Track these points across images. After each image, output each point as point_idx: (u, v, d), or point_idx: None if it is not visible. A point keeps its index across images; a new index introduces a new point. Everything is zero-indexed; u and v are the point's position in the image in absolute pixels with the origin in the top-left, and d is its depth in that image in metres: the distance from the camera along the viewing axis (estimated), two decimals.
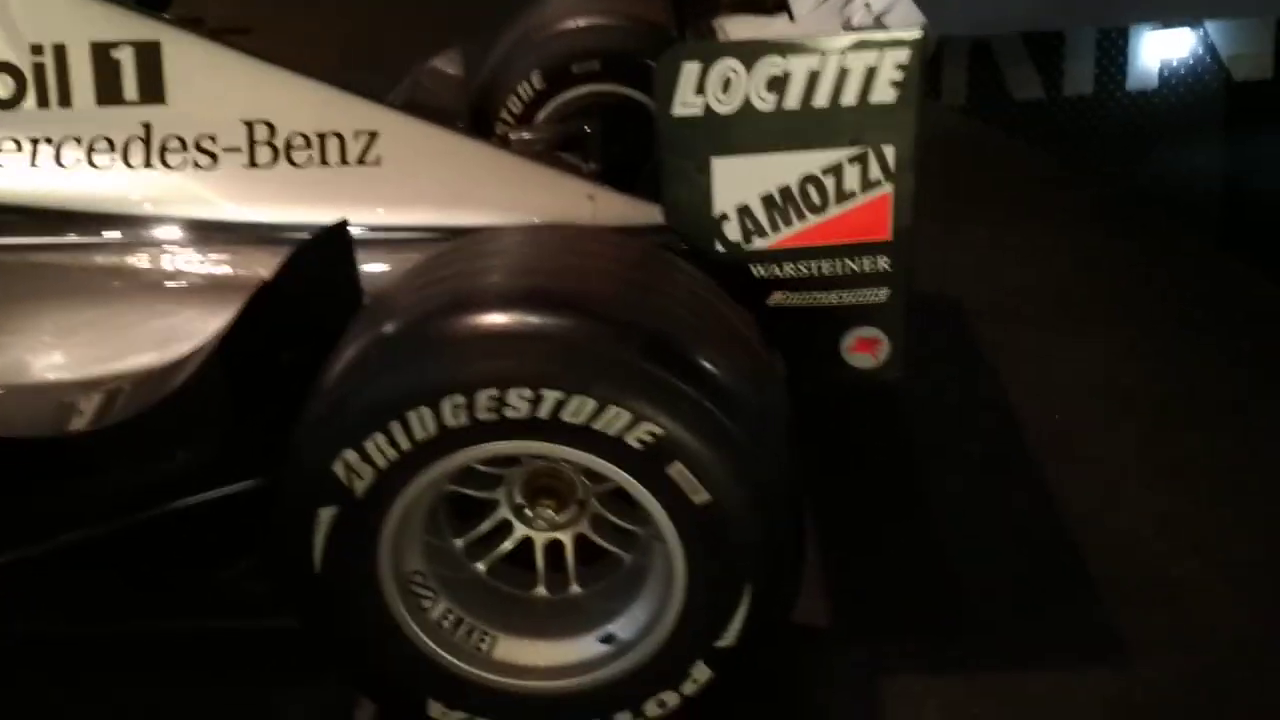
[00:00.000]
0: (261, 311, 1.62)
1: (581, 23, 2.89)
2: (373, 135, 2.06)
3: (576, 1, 2.95)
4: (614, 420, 1.42)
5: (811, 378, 1.92)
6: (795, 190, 1.76)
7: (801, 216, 1.78)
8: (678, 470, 1.45)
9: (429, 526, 1.63)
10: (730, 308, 1.67)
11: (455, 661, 1.62)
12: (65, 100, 2.11)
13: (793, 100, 1.70)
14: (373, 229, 1.98)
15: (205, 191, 2.11)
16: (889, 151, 1.73)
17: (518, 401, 1.41)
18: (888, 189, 1.76)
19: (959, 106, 7.27)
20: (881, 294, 1.85)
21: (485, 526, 1.66)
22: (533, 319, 1.45)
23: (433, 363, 1.44)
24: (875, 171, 1.75)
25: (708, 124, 1.72)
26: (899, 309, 1.86)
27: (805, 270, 1.83)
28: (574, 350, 1.43)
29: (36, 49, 2.11)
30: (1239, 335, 2.84)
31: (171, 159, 2.11)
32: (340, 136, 2.07)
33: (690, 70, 1.69)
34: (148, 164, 2.11)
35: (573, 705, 1.63)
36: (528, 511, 1.64)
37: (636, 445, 1.44)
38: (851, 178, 1.75)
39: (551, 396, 1.41)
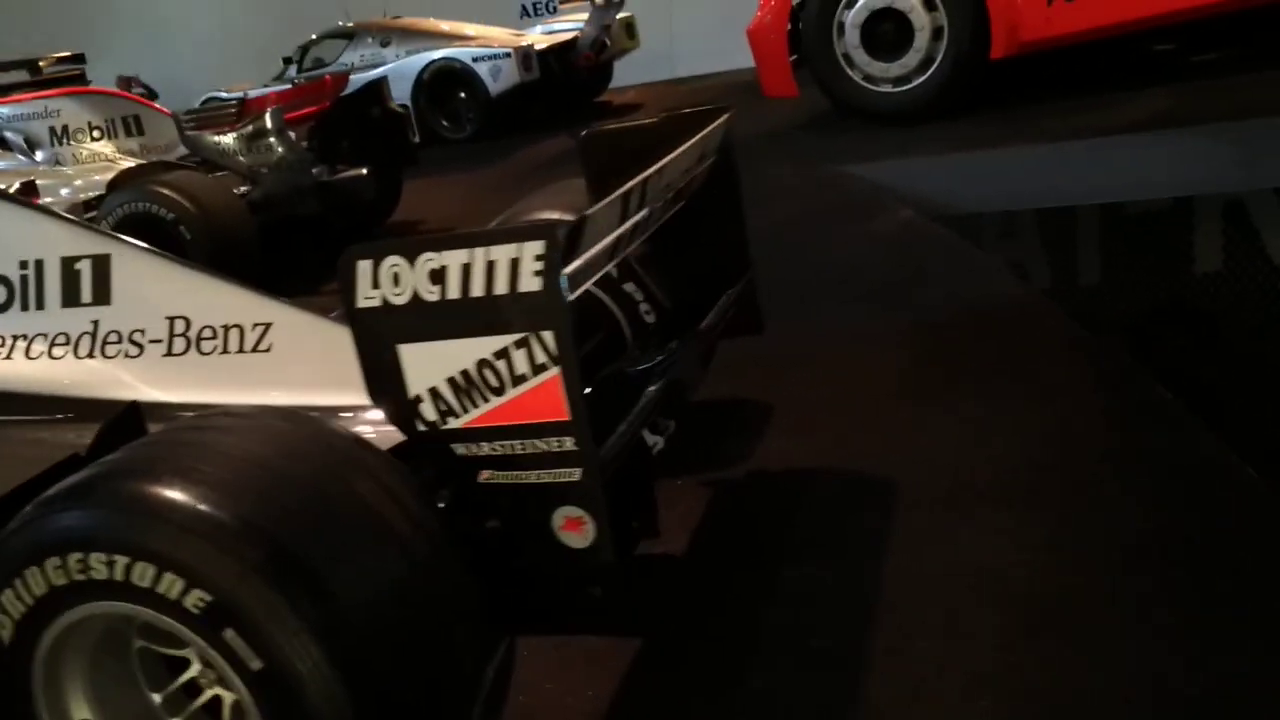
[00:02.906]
0: None
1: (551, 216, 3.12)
2: (267, 326, 2.37)
3: (547, 199, 3.20)
4: (171, 585, 1.56)
5: (534, 557, 1.95)
6: (475, 374, 1.85)
7: (485, 399, 1.86)
8: (230, 635, 1.55)
9: (116, 679, 1.80)
10: (392, 505, 1.74)
11: None
12: (40, 304, 2.60)
13: (453, 291, 1.81)
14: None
15: (129, 378, 2.49)
16: (548, 336, 1.79)
17: (98, 565, 1.59)
18: (555, 371, 1.81)
19: (1213, 273, 6.79)
20: (575, 474, 1.86)
21: (178, 683, 1.81)
22: (126, 487, 1.63)
23: (42, 524, 1.65)
24: (540, 355, 1.80)
25: (387, 314, 1.86)
26: (595, 488, 1.87)
27: (502, 449, 1.89)
28: (145, 518, 1.59)
29: (23, 264, 2.62)
30: None
31: (110, 350, 2.51)
32: (240, 328, 2.39)
33: (364, 267, 1.85)
34: (91, 354, 2.53)
35: None
36: None
37: (194, 610, 1.56)
38: (520, 361, 1.82)
39: (122, 561, 1.57)
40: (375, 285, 1.85)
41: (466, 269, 1.80)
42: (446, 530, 1.81)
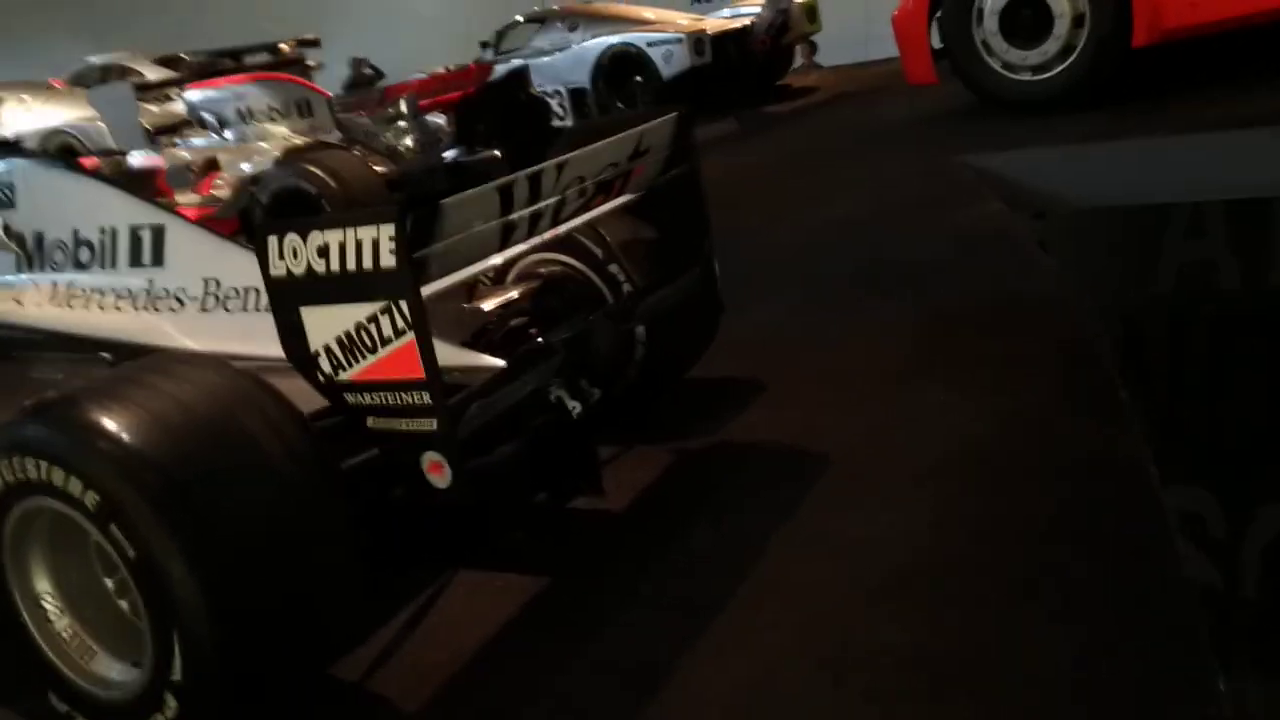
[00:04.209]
0: None
1: None
2: None
3: None
4: (75, 486, 2.00)
5: (409, 494, 2.30)
6: (355, 334, 2.21)
7: (364, 356, 2.21)
8: (114, 529, 1.98)
9: (76, 563, 2.28)
10: (273, 435, 2.12)
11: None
12: (113, 263, 3.16)
13: (334, 264, 2.17)
14: (278, 359, 2.48)
15: (171, 329, 3.00)
16: (404, 305, 2.12)
17: (31, 467, 2.06)
18: (411, 336, 2.14)
19: None
20: (432, 423, 2.20)
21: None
22: (67, 410, 2.08)
23: (7, 432, 2.12)
24: (400, 321, 2.14)
25: (292, 282, 2.24)
26: (449, 437, 2.19)
27: (380, 400, 2.24)
28: (68, 434, 2.03)
29: (102, 230, 3.19)
30: None
31: (159, 305, 3.03)
32: (257, 290, 2.86)
33: (273, 242, 2.24)
34: (145, 308, 3.06)
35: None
36: None
37: (90, 507, 2.00)
38: (386, 326, 2.16)
39: (42, 465, 2.03)
40: (281, 256, 2.23)
41: (342, 246, 2.15)
42: (321, 462, 2.17)
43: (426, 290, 2.34)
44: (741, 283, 4.30)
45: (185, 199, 6.37)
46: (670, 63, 11.01)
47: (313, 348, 2.28)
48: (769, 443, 3.20)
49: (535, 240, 2.67)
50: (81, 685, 2.24)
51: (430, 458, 2.24)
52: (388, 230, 2.09)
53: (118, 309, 3.12)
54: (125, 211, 3.14)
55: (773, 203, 6.38)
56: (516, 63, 10.04)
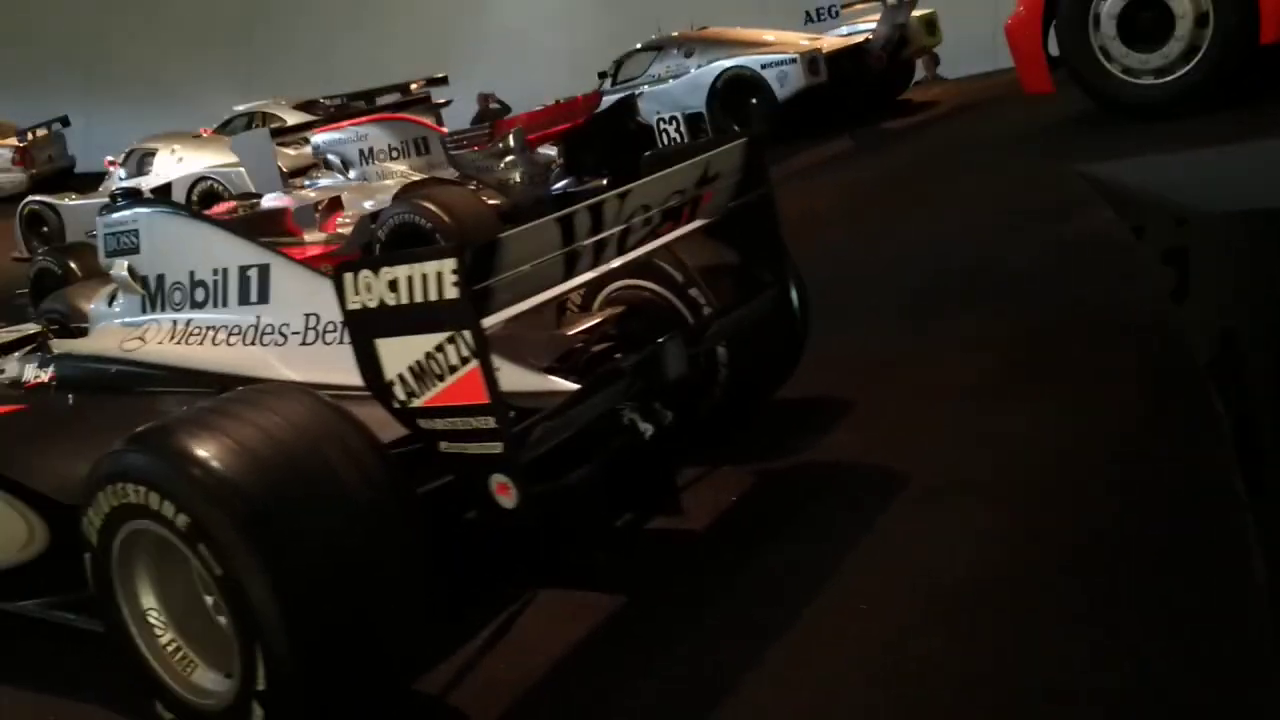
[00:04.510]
0: None
1: None
2: None
3: None
4: (169, 509, 2.16)
5: (481, 514, 2.40)
6: (425, 363, 2.32)
7: (433, 384, 2.33)
8: (203, 549, 2.13)
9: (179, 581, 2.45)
10: (350, 464, 2.25)
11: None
12: (224, 302, 3.38)
13: (404, 297, 2.29)
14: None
15: (275, 362, 3.20)
16: (467, 335, 2.23)
17: (131, 492, 2.23)
18: (475, 363, 2.24)
19: None
20: (497, 447, 2.29)
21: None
22: (163, 439, 2.25)
23: (114, 460, 2.30)
24: (464, 350, 2.25)
25: (367, 315, 2.37)
26: (514, 460, 2.28)
27: (450, 425, 2.35)
28: (164, 461, 2.20)
29: (215, 271, 3.42)
30: None
31: (265, 339, 3.24)
32: None
33: (349, 278, 2.37)
34: (253, 343, 3.27)
35: None
36: None
37: (182, 528, 2.16)
38: (452, 354, 2.27)
39: (142, 490, 2.20)
40: (356, 292, 2.37)
41: (410, 280, 2.27)
42: (396, 488, 2.29)
43: (497, 318, 2.47)
44: (837, 299, 4.32)
45: (312, 236, 6.70)
46: (785, 84, 11.00)
47: (387, 376, 2.40)
48: (852, 463, 3.20)
49: (605, 267, 2.75)
50: (183, 695, 2.40)
51: (497, 479, 2.33)
52: (450, 265, 2.20)
53: (229, 344, 3.32)
54: (235, 253, 3.36)
55: (874, 219, 6.34)
56: (618, 95, 10.17)
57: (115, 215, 3.61)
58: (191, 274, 3.41)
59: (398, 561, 2.25)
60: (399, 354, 2.37)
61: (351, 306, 2.39)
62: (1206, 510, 2.50)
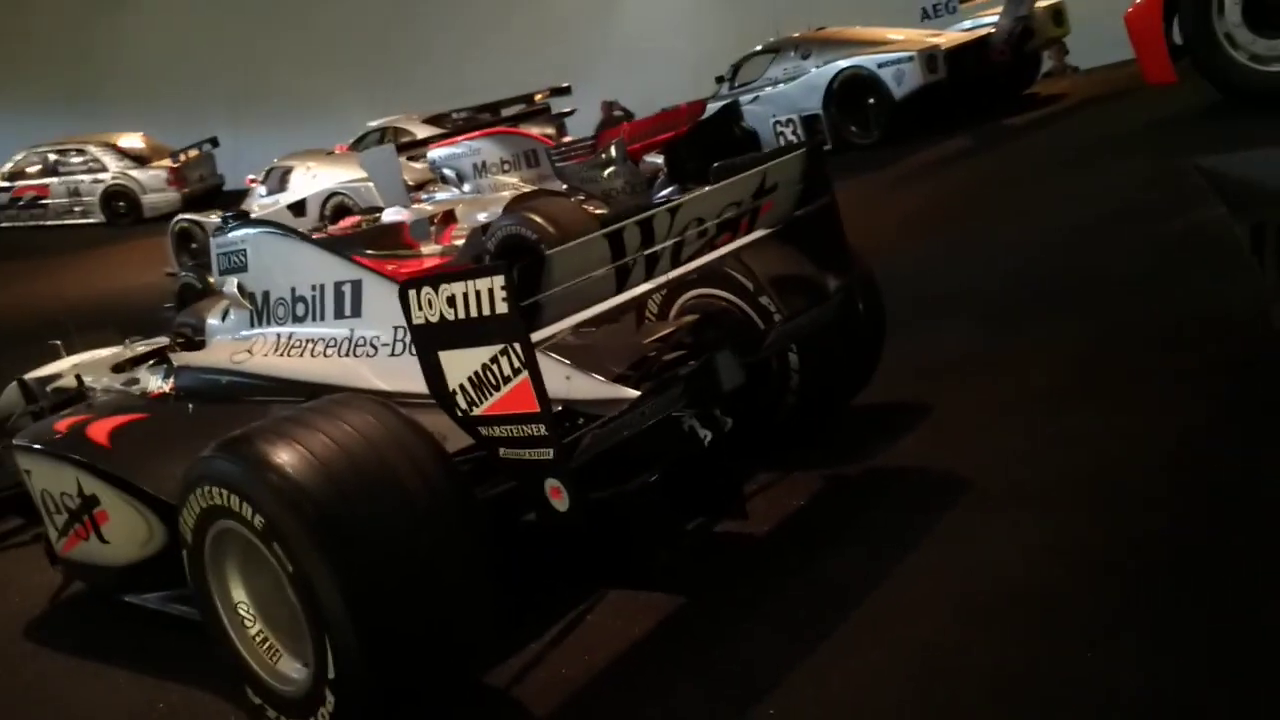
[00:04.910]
0: None
1: None
2: None
3: None
4: (247, 510, 2.35)
5: (538, 516, 2.52)
6: (482, 374, 2.46)
7: (490, 393, 2.46)
8: (277, 548, 2.31)
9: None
10: (415, 471, 2.41)
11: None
12: (321, 316, 3.61)
13: (461, 312, 2.43)
14: None
15: (366, 372, 3.40)
16: (518, 348, 2.35)
17: (217, 494, 2.43)
18: (525, 374, 2.36)
19: None
20: (549, 453, 2.41)
21: None
22: (246, 446, 2.44)
23: (205, 464, 2.51)
24: (516, 361, 2.37)
25: (430, 329, 2.52)
26: (564, 465, 2.39)
27: (507, 431, 2.47)
28: (244, 467, 2.39)
29: (314, 287, 3.65)
30: None
31: (358, 351, 3.45)
32: None
33: (413, 295, 2.52)
34: (347, 355, 3.48)
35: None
36: None
37: (259, 527, 2.34)
38: (505, 366, 2.40)
39: (225, 493, 2.40)
40: (419, 307, 2.52)
41: (465, 296, 2.41)
42: (458, 494, 2.43)
43: (549, 330, 2.58)
44: (927, 301, 4.30)
45: (428, 249, 6.96)
46: (902, 82, 10.86)
47: (450, 386, 2.54)
48: (923, 468, 3.21)
49: (661, 279, 2.83)
50: (270, 682, 2.59)
51: (551, 484, 2.45)
52: (499, 281, 2.32)
53: (325, 356, 3.53)
54: (331, 269, 3.57)
55: (976, 222, 6.25)
56: (722, 101, 10.15)
57: (226, 236, 3.88)
58: (293, 290, 3.64)
59: (459, 561, 2.39)
60: (460, 365, 2.50)
61: (416, 321, 2.54)
62: (1264, 520, 2.44)
